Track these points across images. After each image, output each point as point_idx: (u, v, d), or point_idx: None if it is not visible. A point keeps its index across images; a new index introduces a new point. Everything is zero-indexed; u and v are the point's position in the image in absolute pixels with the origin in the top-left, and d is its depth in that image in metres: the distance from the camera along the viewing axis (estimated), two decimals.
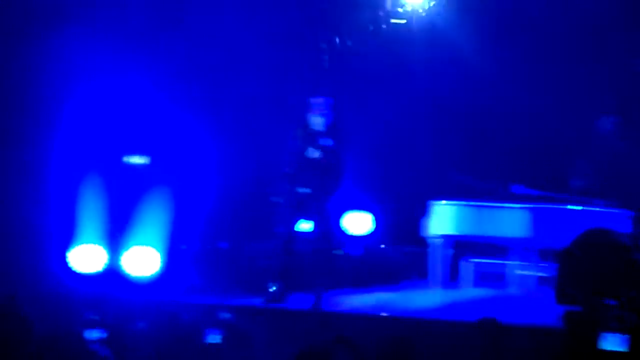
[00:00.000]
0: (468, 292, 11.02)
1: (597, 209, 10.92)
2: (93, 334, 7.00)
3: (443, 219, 11.33)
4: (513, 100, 12.51)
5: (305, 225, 10.10)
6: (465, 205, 11.25)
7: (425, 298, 10.45)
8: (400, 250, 12.40)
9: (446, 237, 11.37)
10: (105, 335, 7.06)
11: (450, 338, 8.19)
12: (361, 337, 6.59)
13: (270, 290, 9.72)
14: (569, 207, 10.92)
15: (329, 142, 9.92)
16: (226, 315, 7.14)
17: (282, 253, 9.84)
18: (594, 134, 12.31)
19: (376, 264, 12.06)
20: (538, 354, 7.84)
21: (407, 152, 12.82)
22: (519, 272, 11.16)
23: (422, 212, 11.57)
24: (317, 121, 9.97)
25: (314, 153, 9.86)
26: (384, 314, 9.24)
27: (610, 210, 10.90)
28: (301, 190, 9.86)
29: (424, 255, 11.61)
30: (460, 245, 11.65)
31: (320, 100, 10.02)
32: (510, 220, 10.98)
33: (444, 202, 11.39)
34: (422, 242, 11.70)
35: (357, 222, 12.30)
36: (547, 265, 11.07)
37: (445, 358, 8.01)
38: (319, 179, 9.89)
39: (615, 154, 12.17)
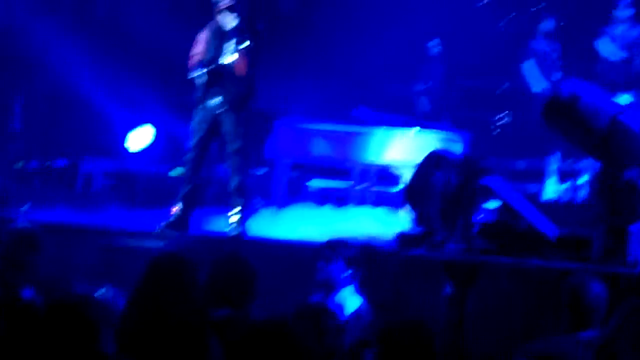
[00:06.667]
0: (310, 212, 11.06)
1: (435, 130, 11.11)
2: None
3: (286, 141, 11.31)
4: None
5: None
6: (307, 127, 11.25)
7: (266, 219, 10.42)
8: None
9: (289, 159, 11.39)
10: None
11: (288, 259, 8.17)
12: (198, 257, 6.51)
13: (173, 214, 8.89)
14: (406, 128, 11.05)
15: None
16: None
17: (191, 171, 8.91)
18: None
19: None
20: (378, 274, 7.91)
21: None
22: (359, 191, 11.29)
23: (267, 133, 11.53)
24: (227, 20, 8.75)
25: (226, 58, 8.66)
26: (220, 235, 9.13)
27: (447, 132, 11.13)
28: (213, 104, 8.79)
29: (266, 177, 11.62)
30: (303, 167, 11.69)
31: None
32: (352, 143, 11.05)
33: (288, 123, 11.36)
34: (266, 163, 11.70)
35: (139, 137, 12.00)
36: (387, 186, 11.24)
37: (283, 279, 7.99)
38: (234, 91, 8.78)
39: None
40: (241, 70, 8.79)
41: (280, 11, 13.79)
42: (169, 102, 12.07)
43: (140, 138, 11.99)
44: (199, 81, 8.80)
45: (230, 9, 8.78)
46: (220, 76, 8.78)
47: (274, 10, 13.42)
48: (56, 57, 11.67)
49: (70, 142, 11.71)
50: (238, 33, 8.81)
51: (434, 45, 12.73)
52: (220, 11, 8.81)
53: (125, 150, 11.91)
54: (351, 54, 12.84)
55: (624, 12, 10.96)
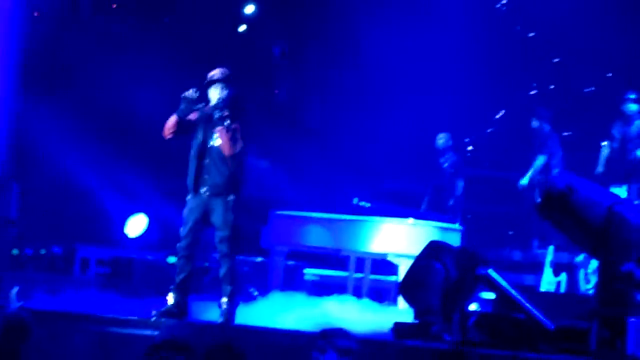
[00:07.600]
0: (305, 301, 11.01)
1: (430, 222, 11.10)
2: None
3: (282, 229, 11.31)
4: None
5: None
6: (304, 217, 11.26)
7: (261, 307, 10.38)
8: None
9: (285, 248, 11.38)
10: None
11: (282, 348, 8.12)
12: (194, 343, 6.47)
13: (168, 302, 8.78)
14: (402, 218, 11.03)
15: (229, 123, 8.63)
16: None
17: (184, 259, 8.82)
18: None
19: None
20: None
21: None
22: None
23: (263, 222, 11.54)
24: (216, 92, 8.74)
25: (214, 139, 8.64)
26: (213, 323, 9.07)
27: (442, 224, 11.12)
28: (203, 189, 8.73)
29: (264, 265, 11.60)
30: (298, 256, 11.68)
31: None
32: (348, 233, 11.04)
33: (283, 212, 11.38)
34: (262, 252, 11.68)
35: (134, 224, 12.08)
36: (383, 275, 11.22)
37: None
38: (222, 174, 8.73)
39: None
40: (229, 151, 8.75)
41: (276, 99, 13.91)
42: (164, 189, 12.11)
43: (135, 225, 12.04)
44: (190, 167, 8.81)
45: (221, 80, 8.79)
46: (208, 159, 8.77)
47: (270, 98, 13.53)
48: (53, 145, 11.74)
49: (66, 229, 11.72)
50: (223, 106, 8.75)
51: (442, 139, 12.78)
52: (211, 85, 8.80)
53: (121, 237, 11.94)
54: (352, 145, 12.92)
55: (628, 107, 11.26)
